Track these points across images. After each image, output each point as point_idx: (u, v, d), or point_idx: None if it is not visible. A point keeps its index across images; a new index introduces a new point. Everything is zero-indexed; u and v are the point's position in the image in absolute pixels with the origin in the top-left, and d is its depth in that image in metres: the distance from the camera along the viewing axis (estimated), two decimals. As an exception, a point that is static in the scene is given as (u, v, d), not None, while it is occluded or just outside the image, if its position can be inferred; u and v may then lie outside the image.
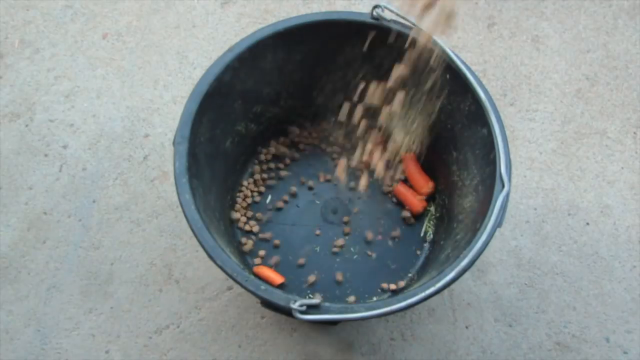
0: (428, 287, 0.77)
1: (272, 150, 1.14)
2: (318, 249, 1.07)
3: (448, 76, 0.94)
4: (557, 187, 1.21)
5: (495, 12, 1.40)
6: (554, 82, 1.33)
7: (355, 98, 0.99)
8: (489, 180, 0.87)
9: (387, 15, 0.93)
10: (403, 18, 0.92)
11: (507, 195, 0.83)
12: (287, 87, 1.07)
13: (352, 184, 1.11)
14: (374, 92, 0.97)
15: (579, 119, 1.29)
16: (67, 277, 1.10)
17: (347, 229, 1.09)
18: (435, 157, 1.09)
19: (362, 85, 0.98)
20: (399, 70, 0.92)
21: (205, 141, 0.92)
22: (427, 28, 0.88)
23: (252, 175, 1.12)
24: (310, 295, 1.02)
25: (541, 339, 1.09)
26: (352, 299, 1.03)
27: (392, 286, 1.05)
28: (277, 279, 1.01)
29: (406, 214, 1.10)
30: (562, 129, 1.28)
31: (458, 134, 0.99)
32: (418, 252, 1.09)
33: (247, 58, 0.93)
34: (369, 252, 1.08)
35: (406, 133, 1.02)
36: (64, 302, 1.08)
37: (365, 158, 1.06)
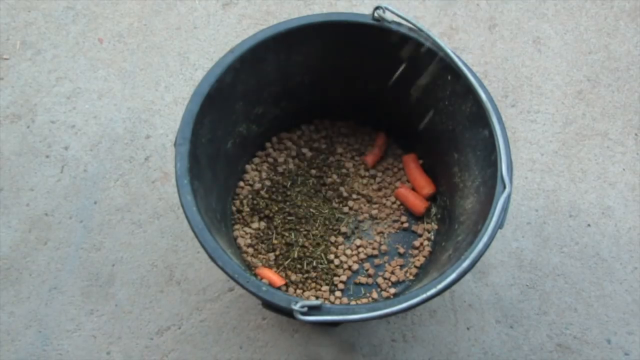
0: (429, 289, 0.77)
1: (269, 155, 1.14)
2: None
3: (449, 77, 0.94)
4: (558, 188, 1.21)
5: (497, 13, 1.40)
6: (555, 84, 1.33)
7: None
8: (490, 182, 0.87)
9: (389, 16, 0.93)
10: (404, 19, 0.92)
11: (509, 196, 0.83)
12: (289, 88, 1.07)
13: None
14: None
15: (580, 120, 1.29)
16: (69, 278, 1.10)
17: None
18: (437, 158, 1.09)
19: None
20: None
21: (206, 142, 0.92)
22: None
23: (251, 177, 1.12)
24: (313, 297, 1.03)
25: (542, 341, 1.08)
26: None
27: (392, 290, 1.05)
28: (278, 280, 1.01)
29: (408, 215, 1.10)
30: (563, 130, 1.28)
31: (459, 135, 0.99)
32: (419, 253, 1.09)
33: (248, 59, 0.93)
34: (372, 254, 1.08)
35: None
36: (65, 303, 1.08)
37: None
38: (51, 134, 1.22)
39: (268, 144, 1.15)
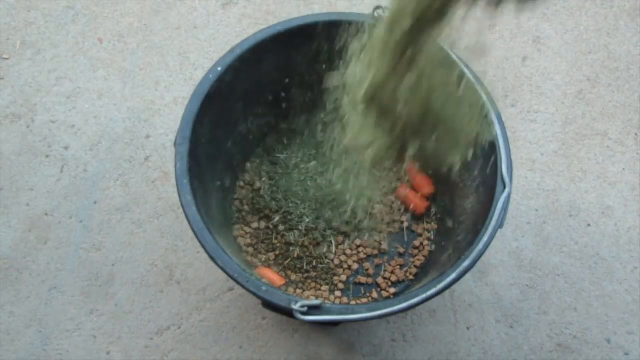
0: (429, 288, 0.77)
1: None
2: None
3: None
4: (558, 188, 1.21)
5: (497, 13, 1.40)
6: (555, 84, 1.33)
7: None
8: (490, 182, 0.87)
9: (389, 16, 0.93)
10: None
11: (509, 196, 0.83)
12: (288, 88, 1.07)
13: None
14: None
15: (580, 120, 1.29)
16: (69, 278, 1.10)
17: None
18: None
19: None
20: None
21: (206, 142, 0.92)
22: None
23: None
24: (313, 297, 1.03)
25: (542, 340, 1.08)
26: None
27: (392, 290, 1.05)
28: (278, 280, 1.01)
29: (408, 215, 1.10)
30: (563, 130, 1.28)
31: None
32: (419, 253, 1.09)
33: (248, 59, 0.93)
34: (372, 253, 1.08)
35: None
36: (65, 303, 1.08)
37: None
38: (51, 133, 1.22)
39: (268, 143, 1.15)
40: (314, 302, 0.75)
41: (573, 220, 1.18)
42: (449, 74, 0.76)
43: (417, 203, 1.10)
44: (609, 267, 1.15)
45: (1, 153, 1.20)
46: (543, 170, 1.23)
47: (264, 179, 1.12)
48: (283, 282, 1.02)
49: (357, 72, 0.76)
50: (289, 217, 1.09)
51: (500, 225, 0.81)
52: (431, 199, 1.12)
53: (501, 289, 1.12)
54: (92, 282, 1.10)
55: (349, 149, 0.86)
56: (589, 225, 1.18)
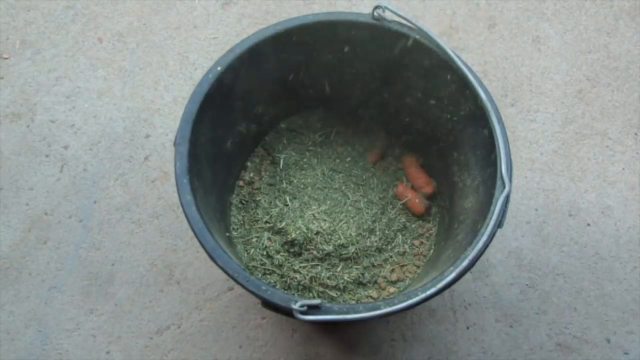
0: (429, 288, 0.77)
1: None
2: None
3: (449, 77, 0.94)
4: (558, 187, 1.21)
5: (497, 12, 1.40)
6: (554, 83, 1.33)
7: None
8: (490, 181, 0.87)
9: (388, 15, 0.93)
10: (404, 19, 0.92)
11: (508, 196, 0.83)
12: (288, 87, 1.07)
13: None
14: None
15: (579, 119, 1.29)
16: (68, 277, 1.10)
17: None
18: (436, 158, 1.09)
19: None
20: None
21: (206, 142, 0.92)
22: None
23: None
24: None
25: (542, 340, 1.09)
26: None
27: (392, 289, 1.05)
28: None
29: (408, 214, 1.10)
30: (563, 129, 1.28)
31: (459, 134, 0.99)
32: (419, 253, 1.09)
33: (248, 59, 0.93)
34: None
35: None
36: (65, 302, 1.08)
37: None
38: (51, 133, 1.22)
39: (268, 143, 1.15)
40: (314, 301, 0.75)
41: (573, 220, 1.19)
42: None
43: (417, 203, 1.10)
44: (609, 267, 1.15)
45: (1, 153, 1.20)
46: (543, 169, 1.23)
47: (263, 178, 1.12)
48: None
49: None
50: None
51: (499, 224, 0.81)
52: (431, 198, 1.12)
53: (501, 288, 1.12)
54: (92, 281, 1.10)
55: None
56: (588, 224, 1.18)
